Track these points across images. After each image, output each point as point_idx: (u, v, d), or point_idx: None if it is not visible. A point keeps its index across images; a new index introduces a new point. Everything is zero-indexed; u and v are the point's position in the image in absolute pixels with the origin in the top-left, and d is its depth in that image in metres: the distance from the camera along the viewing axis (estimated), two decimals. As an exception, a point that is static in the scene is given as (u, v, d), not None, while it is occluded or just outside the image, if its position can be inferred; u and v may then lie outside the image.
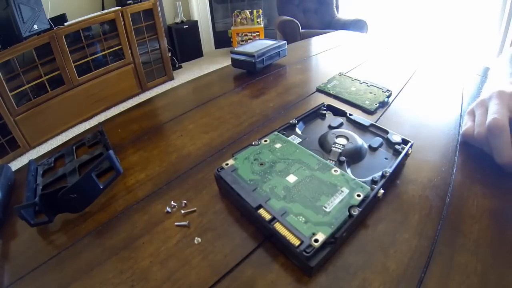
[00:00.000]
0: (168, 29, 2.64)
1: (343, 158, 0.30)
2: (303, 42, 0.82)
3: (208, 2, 2.81)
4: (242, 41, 2.62)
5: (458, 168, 0.31)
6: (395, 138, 0.32)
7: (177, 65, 2.68)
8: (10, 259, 0.26)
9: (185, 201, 0.29)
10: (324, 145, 0.32)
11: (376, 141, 0.32)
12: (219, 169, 0.29)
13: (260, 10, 2.66)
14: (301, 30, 2.07)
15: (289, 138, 0.33)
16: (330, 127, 0.35)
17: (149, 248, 0.25)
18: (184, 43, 2.73)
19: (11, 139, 1.70)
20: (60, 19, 1.90)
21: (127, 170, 0.34)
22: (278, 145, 0.31)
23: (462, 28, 2.12)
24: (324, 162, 0.28)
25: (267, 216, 0.24)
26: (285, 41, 0.61)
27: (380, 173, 0.27)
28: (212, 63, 2.73)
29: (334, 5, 2.41)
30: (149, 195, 0.30)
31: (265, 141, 0.32)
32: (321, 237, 0.22)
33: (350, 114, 0.37)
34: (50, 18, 1.83)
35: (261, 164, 0.29)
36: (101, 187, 0.29)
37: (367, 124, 0.35)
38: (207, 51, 2.94)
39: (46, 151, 0.41)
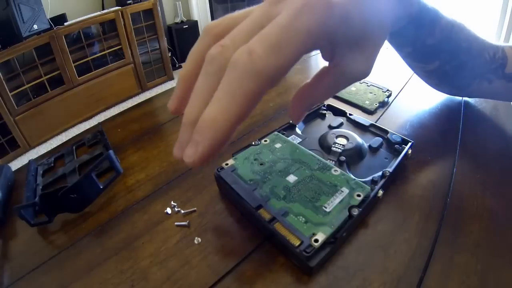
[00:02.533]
0: (168, 29, 2.64)
1: (343, 158, 0.30)
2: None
3: (208, 2, 2.81)
4: (242, 41, 2.62)
5: (458, 168, 0.31)
6: (395, 138, 0.32)
7: (177, 65, 2.68)
8: (10, 259, 0.26)
9: (185, 201, 0.29)
10: (324, 145, 0.32)
11: (376, 141, 0.32)
12: (219, 169, 0.29)
13: (260, 10, 2.66)
14: (301, 30, 2.07)
15: (289, 138, 0.33)
16: (330, 127, 0.35)
17: (149, 248, 0.25)
18: (184, 43, 2.73)
19: (11, 139, 1.70)
20: (60, 19, 1.90)
21: (127, 170, 0.34)
22: (278, 145, 0.31)
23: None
24: (324, 162, 0.28)
25: (267, 216, 0.24)
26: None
27: (380, 173, 0.27)
28: (212, 63, 2.73)
29: (334, 5, 2.41)
30: (149, 195, 0.30)
31: (265, 141, 0.32)
32: (321, 237, 0.22)
33: (350, 114, 0.37)
34: (50, 18, 1.83)
35: (261, 164, 0.29)
36: (101, 187, 0.29)
37: (367, 124, 0.35)
38: (207, 51, 2.93)
39: (46, 151, 0.41)
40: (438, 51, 0.31)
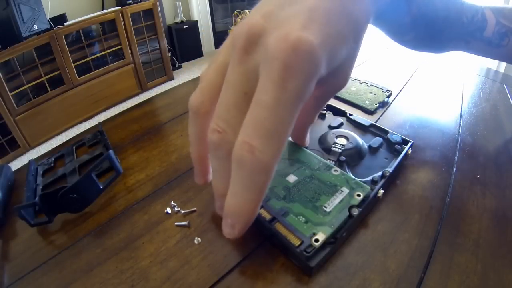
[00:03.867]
0: (168, 29, 2.64)
1: (343, 158, 0.30)
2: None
3: (208, 2, 2.81)
4: (242, 41, 2.62)
5: (458, 168, 0.31)
6: (395, 138, 0.32)
7: (177, 65, 2.68)
8: (10, 259, 0.26)
9: (185, 201, 0.29)
10: (324, 145, 0.32)
11: (376, 141, 0.32)
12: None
13: (260, 10, 2.66)
14: (301, 30, 2.07)
15: (289, 138, 0.33)
16: (330, 127, 0.35)
17: (149, 248, 0.25)
18: (184, 43, 2.73)
19: (11, 139, 1.70)
20: (60, 19, 1.90)
21: (127, 170, 0.34)
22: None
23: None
24: (324, 162, 0.28)
25: (267, 216, 0.24)
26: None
27: (380, 173, 0.27)
28: (212, 63, 2.73)
29: (334, 5, 2.41)
30: (149, 195, 0.30)
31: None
32: (321, 237, 0.22)
33: (350, 114, 0.37)
34: (50, 18, 1.83)
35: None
36: (101, 187, 0.29)
37: (367, 124, 0.35)
38: (207, 51, 2.94)
39: (46, 151, 0.41)
40: (414, 25, 0.31)
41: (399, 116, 0.41)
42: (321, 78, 0.17)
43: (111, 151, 0.31)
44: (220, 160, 0.18)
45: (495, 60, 1.87)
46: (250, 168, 0.15)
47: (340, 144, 0.31)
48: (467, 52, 0.36)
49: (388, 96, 0.45)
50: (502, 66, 1.81)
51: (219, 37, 3.00)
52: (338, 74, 0.19)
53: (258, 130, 0.15)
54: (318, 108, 0.22)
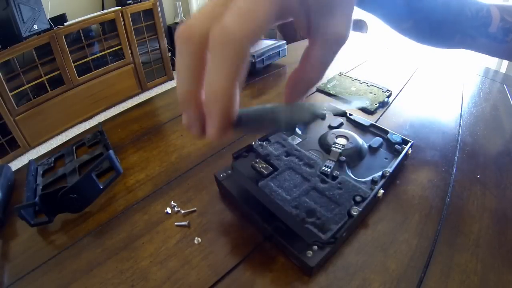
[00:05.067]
0: (168, 29, 2.64)
1: (343, 158, 0.30)
2: (303, 42, 0.82)
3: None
4: (242, 41, 2.62)
5: (458, 168, 0.31)
6: (395, 138, 0.32)
7: (177, 65, 2.68)
8: (10, 259, 0.26)
9: (185, 201, 0.29)
10: (324, 145, 0.32)
11: (376, 141, 0.32)
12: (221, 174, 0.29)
13: (260, 10, 2.66)
14: (301, 30, 2.07)
15: (289, 138, 0.33)
16: (330, 127, 0.35)
17: (149, 248, 0.25)
18: (184, 43, 2.73)
19: (11, 139, 1.70)
20: (60, 19, 1.90)
21: (127, 170, 0.34)
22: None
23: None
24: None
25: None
26: (284, 41, 0.61)
27: (380, 173, 0.27)
28: (212, 63, 2.73)
29: (334, 5, 2.40)
30: (149, 195, 0.30)
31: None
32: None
33: (350, 114, 0.37)
34: (50, 18, 1.82)
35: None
36: (101, 187, 0.29)
37: (367, 124, 0.35)
38: (207, 51, 2.93)
39: (46, 151, 0.41)
40: (410, 11, 0.31)
41: (399, 116, 0.41)
42: (311, 12, 0.17)
43: (111, 151, 0.31)
44: (188, 54, 0.17)
45: (495, 60, 1.87)
46: (220, 44, 0.15)
47: (340, 144, 0.31)
48: (472, 50, 0.36)
49: (388, 96, 0.45)
50: (503, 66, 1.81)
51: (219, 37, 3.00)
52: (333, 18, 0.18)
53: (232, 12, 0.15)
54: (322, 61, 0.20)
